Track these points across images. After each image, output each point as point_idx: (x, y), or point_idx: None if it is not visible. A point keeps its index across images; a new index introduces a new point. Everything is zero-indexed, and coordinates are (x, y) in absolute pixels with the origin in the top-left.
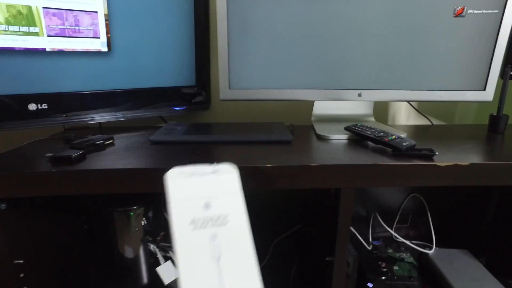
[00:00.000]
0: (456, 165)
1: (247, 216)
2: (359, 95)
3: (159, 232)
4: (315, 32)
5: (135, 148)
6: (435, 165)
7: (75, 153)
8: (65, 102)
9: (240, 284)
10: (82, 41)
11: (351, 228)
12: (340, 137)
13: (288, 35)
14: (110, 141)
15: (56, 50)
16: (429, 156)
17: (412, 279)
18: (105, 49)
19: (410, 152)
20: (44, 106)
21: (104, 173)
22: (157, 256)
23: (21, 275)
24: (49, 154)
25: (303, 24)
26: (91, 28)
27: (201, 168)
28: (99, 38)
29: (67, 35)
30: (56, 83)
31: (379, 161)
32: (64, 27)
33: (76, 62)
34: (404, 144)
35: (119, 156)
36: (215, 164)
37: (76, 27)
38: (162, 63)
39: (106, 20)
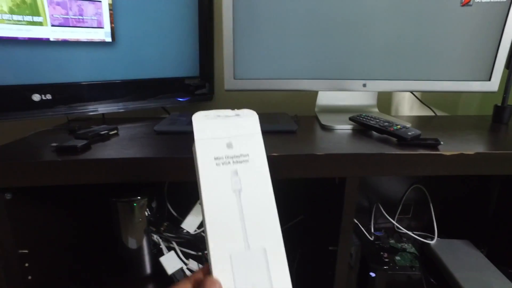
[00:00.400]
0: (461, 154)
1: (265, 156)
2: (364, 85)
3: (163, 223)
4: (320, 22)
5: (139, 138)
6: (441, 154)
7: (80, 143)
8: (69, 93)
9: (259, 216)
10: (86, 31)
11: (354, 219)
12: (344, 127)
13: (294, 25)
14: (115, 131)
15: (60, 40)
16: (435, 145)
17: (413, 269)
18: (109, 39)
19: (415, 142)
20: (48, 96)
21: (110, 163)
22: (161, 246)
23: (26, 264)
24: (54, 144)
25: (309, 13)
26: (95, 18)
27: (224, 111)
28: (103, 28)
29: (71, 25)
30: (60, 73)
31: (384, 150)
32: (68, 16)
33: (80, 52)
34: (409, 133)
35: (124, 146)
36: (236, 110)
37: (80, 17)
38: (165, 53)
39: (110, 9)
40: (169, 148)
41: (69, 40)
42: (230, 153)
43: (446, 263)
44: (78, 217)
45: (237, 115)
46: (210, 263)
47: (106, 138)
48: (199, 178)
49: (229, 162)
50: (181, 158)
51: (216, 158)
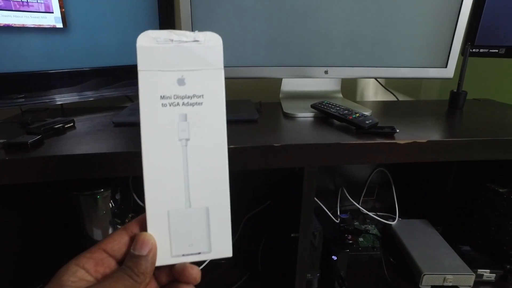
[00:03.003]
0: (414, 142)
1: (224, 101)
2: (326, 72)
3: (128, 214)
4: (281, 8)
5: (97, 131)
6: (395, 143)
7: (31, 139)
8: (19, 83)
9: (206, 172)
10: (32, 15)
11: (319, 202)
12: (306, 115)
13: (254, 12)
14: (71, 124)
15: (2, 25)
16: (391, 134)
17: (375, 249)
18: (60, 25)
19: (372, 130)
20: None
21: (63, 160)
22: None
23: None
24: (2, 141)
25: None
26: (42, 2)
27: (180, 34)
28: (52, 13)
29: (14, 9)
30: (8, 62)
31: (342, 139)
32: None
33: (28, 39)
34: (367, 122)
35: (80, 140)
36: (196, 31)
37: (24, 0)
38: (124, 39)
39: None
40: (127, 142)
41: (14, 25)
42: (180, 91)
43: (404, 242)
44: (39, 212)
45: (196, 40)
46: (147, 219)
47: (61, 132)
48: (140, 118)
49: (178, 104)
50: (138, 152)
51: (162, 97)
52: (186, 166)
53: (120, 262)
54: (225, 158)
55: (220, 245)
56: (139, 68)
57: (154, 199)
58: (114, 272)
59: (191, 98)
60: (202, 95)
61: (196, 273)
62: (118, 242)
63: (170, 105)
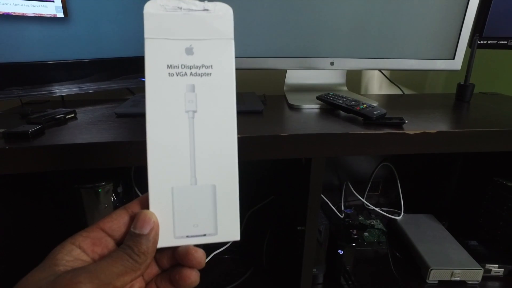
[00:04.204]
0: (424, 133)
1: (234, 73)
2: (332, 63)
3: None
4: None
5: (99, 121)
6: (405, 133)
7: (32, 128)
8: (19, 73)
9: (213, 147)
10: (32, 4)
11: (324, 197)
12: (312, 107)
13: (260, 2)
14: (72, 115)
15: (1, 13)
16: (399, 124)
17: (380, 244)
18: (61, 14)
19: (380, 121)
20: None
21: (64, 149)
22: None
23: None
24: (2, 130)
25: None
26: None
27: (189, 2)
28: (53, 1)
29: None
30: (7, 51)
31: (350, 130)
32: None
33: (28, 28)
34: (375, 112)
35: (81, 130)
36: (206, 1)
37: None
38: (127, 30)
39: None
40: (130, 132)
41: (13, 14)
42: (188, 61)
43: (410, 237)
44: (40, 205)
45: (206, 9)
46: (149, 195)
47: (62, 122)
48: (146, 88)
49: (185, 74)
50: (140, 142)
51: (169, 66)
52: (193, 140)
53: (119, 243)
54: (234, 133)
55: (227, 227)
56: (145, 35)
57: (157, 174)
58: (113, 252)
59: (200, 68)
60: (211, 66)
61: (200, 257)
62: (118, 222)
63: (177, 75)
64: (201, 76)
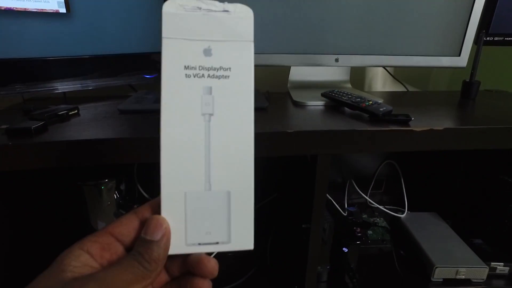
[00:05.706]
0: (431, 130)
1: (253, 76)
2: (336, 60)
3: (133, 205)
4: None
5: (102, 118)
6: (411, 130)
7: (35, 124)
8: (20, 69)
9: (229, 151)
10: None
11: (327, 195)
12: (316, 103)
13: None
14: (75, 111)
15: (3, 8)
16: (406, 121)
17: (384, 242)
18: (63, 10)
19: (386, 118)
20: None
21: (67, 145)
22: None
23: None
24: (5, 126)
25: None
26: None
27: (209, 3)
28: None
29: None
30: (9, 47)
31: (356, 127)
32: None
33: (31, 24)
34: (381, 109)
35: (85, 126)
36: (226, 2)
37: None
38: (130, 26)
39: None
40: (133, 128)
41: (15, 9)
42: (206, 62)
43: (414, 235)
44: (42, 202)
45: (226, 10)
46: (161, 200)
47: (65, 118)
48: (162, 88)
49: (203, 75)
50: (144, 138)
51: (186, 67)
52: (208, 144)
53: (129, 249)
54: (251, 138)
55: (241, 235)
56: (163, 35)
57: (170, 178)
58: (122, 259)
59: (218, 70)
60: (230, 68)
61: (212, 266)
62: (128, 227)
63: (194, 76)
64: (219, 78)
